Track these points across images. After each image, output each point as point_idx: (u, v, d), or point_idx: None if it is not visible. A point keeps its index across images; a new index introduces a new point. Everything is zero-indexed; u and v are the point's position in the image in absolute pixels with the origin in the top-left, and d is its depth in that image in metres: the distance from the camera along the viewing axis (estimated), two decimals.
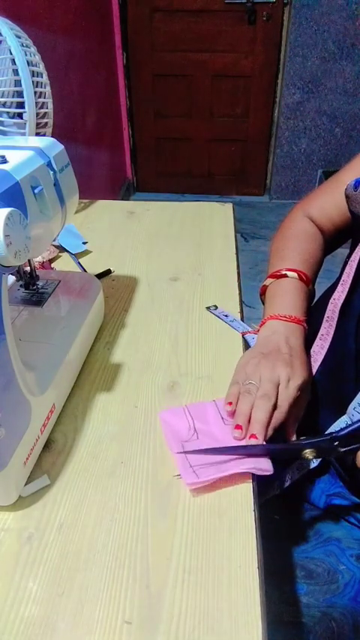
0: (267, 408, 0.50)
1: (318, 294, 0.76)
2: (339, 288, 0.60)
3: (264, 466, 0.47)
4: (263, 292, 0.68)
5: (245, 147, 3.08)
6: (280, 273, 0.65)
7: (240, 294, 0.75)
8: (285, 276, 0.65)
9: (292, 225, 0.73)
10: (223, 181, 3.23)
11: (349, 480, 0.62)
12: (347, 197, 0.64)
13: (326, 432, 0.55)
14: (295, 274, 0.64)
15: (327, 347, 0.62)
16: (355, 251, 0.58)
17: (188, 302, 0.73)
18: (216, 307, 0.70)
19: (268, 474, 0.47)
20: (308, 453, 0.49)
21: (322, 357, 0.63)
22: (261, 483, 0.48)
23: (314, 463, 0.58)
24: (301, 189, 3.10)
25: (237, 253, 0.86)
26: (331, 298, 0.61)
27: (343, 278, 0.60)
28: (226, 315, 0.69)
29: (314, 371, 0.65)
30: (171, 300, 0.74)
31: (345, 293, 0.59)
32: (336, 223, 0.71)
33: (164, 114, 3.01)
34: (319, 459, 0.56)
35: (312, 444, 0.49)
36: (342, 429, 0.51)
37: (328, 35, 2.57)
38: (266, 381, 0.52)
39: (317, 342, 0.64)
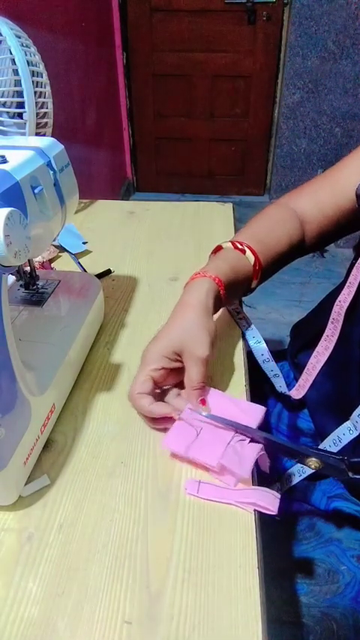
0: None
1: (317, 294, 0.75)
2: (345, 290, 0.59)
3: (268, 503, 0.44)
4: None
5: (245, 147, 3.08)
6: (217, 246, 0.64)
7: None
8: (220, 248, 0.63)
9: (266, 209, 0.70)
10: (223, 181, 3.23)
11: (350, 482, 0.62)
12: (358, 197, 0.62)
13: (333, 449, 0.54)
14: (229, 244, 0.62)
15: (331, 348, 0.62)
16: None
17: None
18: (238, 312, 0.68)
19: (272, 513, 0.44)
20: (313, 462, 0.47)
21: (326, 357, 0.63)
22: (262, 485, 0.48)
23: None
24: None
25: None
26: (337, 300, 0.60)
27: (349, 280, 0.59)
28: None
29: (317, 371, 0.65)
30: (171, 299, 0.74)
31: (351, 296, 0.58)
32: (329, 216, 0.68)
33: (164, 114, 3.01)
34: (304, 472, 0.55)
35: (320, 455, 0.48)
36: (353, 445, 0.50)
37: (328, 35, 2.57)
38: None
39: (322, 343, 0.63)
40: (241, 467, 0.45)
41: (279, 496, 0.44)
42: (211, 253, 0.64)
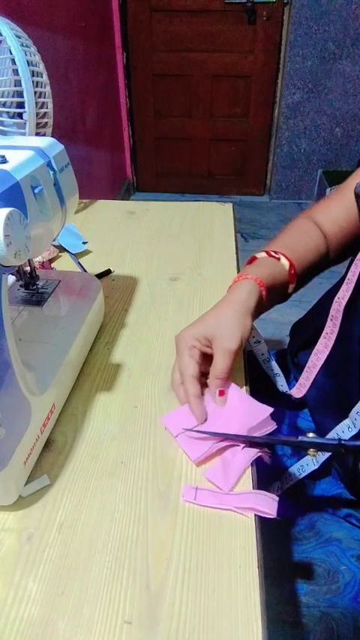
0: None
1: (317, 294, 0.75)
2: (343, 287, 0.60)
3: (267, 507, 0.44)
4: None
5: (245, 147, 3.08)
6: (251, 257, 0.66)
7: None
8: (255, 258, 0.65)
9: (292, 222, 0.72)
10: (223, 181, 3.23)
11: (349, 481, 0.62)
12: (357, 196, 0.63)
13: (332, 437, 0.55)
14: (263, 253, 0.64)
15: (331, 346, 0.62)
16: None
17: (188, 302, 0.73)
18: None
19: (270, 516, 0.44)
20: (311, 452, 0.49)
21: (326, 355, 0.63)
22: (261, 485, 0.48)
23: (315, 465, 0.58)
24: (301, 189, 3.10)
25: (237, 253, 0.86)
26: (336, 297, 0.61)
27: (348, 276, 0.59)
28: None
29: (317, 370, 0.65)
30: (171, 299, 0.74)
31: (349, 292, 0.59)
32: (343, 228, 0.69)
33: (164, 114, 3.01)
34: (321, 461, 0.56)
35: (317, 444, 0.49)
36: (352, 439, 0.51)
37: (328, 35, 2.57)
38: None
39: (321, 341, 0.63)
40: (226, 481, 0.46)
41: (277, 499, 0.44)
42: (246, 264, 0.66)
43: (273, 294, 0.61)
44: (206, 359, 0.55)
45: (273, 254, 0.63)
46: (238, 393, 0.53)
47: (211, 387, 0.53)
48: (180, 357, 0.54)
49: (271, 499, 0.44)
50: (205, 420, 0.52)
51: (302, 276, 0.66)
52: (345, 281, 0.60)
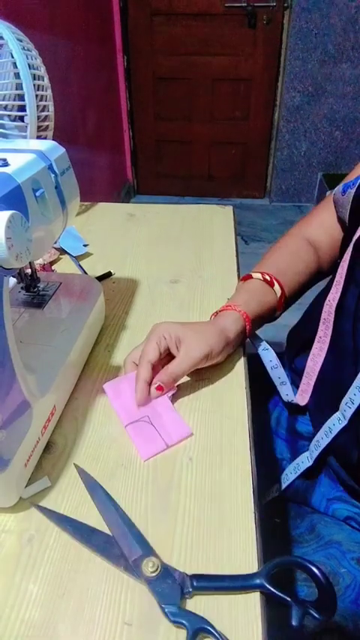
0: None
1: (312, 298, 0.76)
2: (333, 289, 0.60)
3: (144, 451, 0.50)
4: None
5: (245, 150, 3.09)
6: (247, 275, 0.69)
7: None
8: (250, 276, 0.67)
9: (283, 240, 0.74)
10: (223, 184, 3.24)
11: (352, 478, 0.62)
12: (335, 202, 0.65)
13: (325, 440, 0.56)
14: (259, 275, 0.67)
15: (326, 349, 0.63)
16: (346, 252, 0.59)
17: (189, 304, 0.74)
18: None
19: (142, 457, 0.49)
20: (150, 563, 0.40)
21: (322, 359, 0.63)
22: (260, 485, 0.48)
23: (309, 462, 0.58)
24: (301, 192, 3.11)
25: (237, 256, 0.86)
26: (326, 300, 0.61)
27: (336, 279, 0.60)
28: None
29: (315, 374, 0.65)
30: (171, 302, 0.74)
31: (339, 293, 0.59)
32: (334, 236, 0.71)
33: (165, 117, 3.02)
34: (315, 457, 0.57)
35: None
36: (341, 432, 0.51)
37: (328, 38, 2.58)
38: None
39: (316, 345, 0.64)
40: (169, 438, 0.51)
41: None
42: (241, 279, 0.69)
43: (259, 322, 0.65)
44: (167, 360, 0.57)
45: (267, 278, 0.66)
46: (169, 404, 0.55)
47: (156, 378, 0.55)
48: (148, 341, 0.56)
49: (180, 426, 0.52)
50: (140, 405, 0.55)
51: (291, 298, 0.69)
52: (334, 283, 0.60)
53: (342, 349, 0.60)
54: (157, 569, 0.39)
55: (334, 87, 2.72)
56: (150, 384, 0.55)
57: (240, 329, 0.61)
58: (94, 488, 0.46)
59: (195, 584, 0.38)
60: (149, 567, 0.39)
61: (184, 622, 0.36)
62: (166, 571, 0.39)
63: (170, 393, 0.56)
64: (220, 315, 0.62)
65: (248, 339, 0.66)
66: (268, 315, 0.66)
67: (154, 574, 0.38)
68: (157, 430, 0.52)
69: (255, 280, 0.67)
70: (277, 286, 0.65)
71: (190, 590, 0.38)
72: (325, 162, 2.99)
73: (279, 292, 0.66)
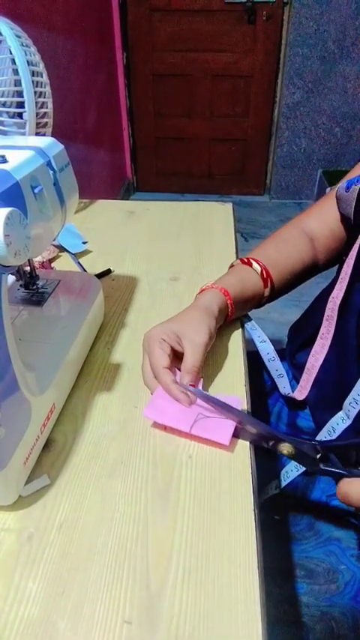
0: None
1: (316, 293, 0.76)
2: (337, 286, 0.60)
3: (221, 438, 0.49)
4: None
5: (245, 146, 3.08)
6: (230, 264, 0.70)
7: None
8: (232, 266, 0.70)
9: (279, 231, 0.75)
10: (223, 181, 3.23)
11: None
12: (338, 199, 0.65)
13: (323, 429, 0.56)
14: (238, 261, 0.68)
15: (328, 345, 0.62)
16: (353, 249, 0.59)
17: (188, 302, 0.73)
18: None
19: (224, 443, 0.49)
20: (286, 447, 0.48)
21: (324, 355, 0.63)
22: (260, 482, 0.48)
23: None
24: (301, 189, 3.10)
25: (237, 253, 0.86)
26: (330, 297, 0.61)
27: (340, 276, 0.60)
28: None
29: (317, 370, 0.65)
30: (171, 299, 0.74)
31: (343, 291, 0.59)
32: (334, 230, 0.71)
33: (164, 113, 3.01)
34: (301, 466, 0.55)
35: (292, 440, 0.48)
36: (328, 440, 0.51)
37: (328, 35, 2.57)
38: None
39: (318, 342, 0.64)
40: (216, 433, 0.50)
41: (234, 423, 0.50)
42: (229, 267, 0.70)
43: (245, 299, 0.65)
44: (174, 359, 0.56)
45: (245, 260, 0.68)
46: (207, 393, 0.54)
47: (182, 381, 0.53)
48: (152, 351, 0.55)
49: (225, 429, 0.50)
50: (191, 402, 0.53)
51: (282, 282, 0.69)
52: (339, 280, 0.60)
53: (345, 347, 0.60)
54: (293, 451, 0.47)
55: (334, 83, 2.71)
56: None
57: (221, 303, 0.61)
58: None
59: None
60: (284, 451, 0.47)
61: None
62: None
63: (200, 385, 0.55)
64: (198, 298, 0.63)
65: (247, 331, 0.66)
66: (254, 292, 0.66)
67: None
68: (216, 416, 0.51)
69: (235, 265, 0.69)
70: (255, 264, 0.67)
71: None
72: (325, 158, 2.98)
73: (258, 269, 0.66)
